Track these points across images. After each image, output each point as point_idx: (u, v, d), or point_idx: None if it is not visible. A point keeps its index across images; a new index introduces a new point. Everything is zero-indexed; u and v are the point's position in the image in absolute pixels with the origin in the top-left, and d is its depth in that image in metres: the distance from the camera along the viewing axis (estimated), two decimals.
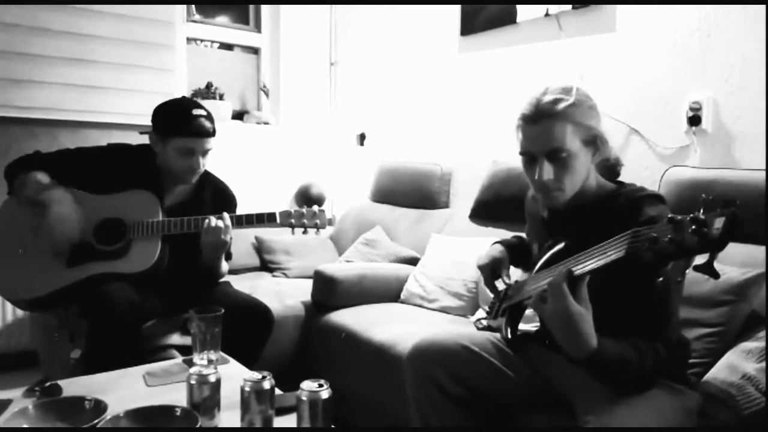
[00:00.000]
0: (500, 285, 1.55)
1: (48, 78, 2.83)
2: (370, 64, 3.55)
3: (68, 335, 1.99)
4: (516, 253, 1.62)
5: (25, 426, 1.17)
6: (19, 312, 2.71)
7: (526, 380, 1.45)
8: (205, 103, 3.13)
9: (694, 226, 0.87)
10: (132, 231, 1.88)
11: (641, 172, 2.20)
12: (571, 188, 1.31)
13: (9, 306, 2.70)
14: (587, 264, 1.09)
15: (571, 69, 2.43)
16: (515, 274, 1.60)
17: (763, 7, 1.89)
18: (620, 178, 1.43)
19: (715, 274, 0.90)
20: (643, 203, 1.23)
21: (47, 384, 1.39)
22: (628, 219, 1.18)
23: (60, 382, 1.41)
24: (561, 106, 1.27)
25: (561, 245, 1.30)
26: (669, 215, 0.91)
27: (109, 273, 1.83)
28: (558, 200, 1.32)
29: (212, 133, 1.96)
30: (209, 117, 1.96)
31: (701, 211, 0.87)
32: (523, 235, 1.71)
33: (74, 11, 2.86)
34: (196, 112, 1.93)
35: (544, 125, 1.28)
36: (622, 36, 2.31)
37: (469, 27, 2.90)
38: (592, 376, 1.20)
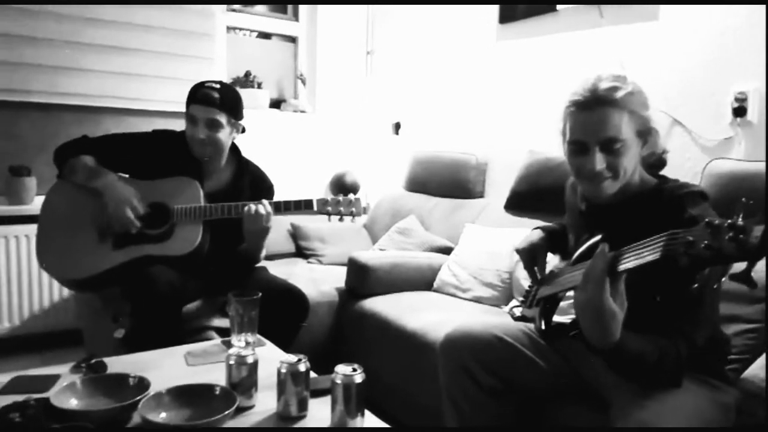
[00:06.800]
0: (536, 272, 1.54)
1: (94, 66, 2.92)
2: (407, 53, 3.55)
3: (112, 315, 2.06)
4: (556, 240, 1.59)
5: (73, 400, 1.23)
6: (65, 292, 2.81)
7: (559, 372, 1.45)
8: (243, 91, 3.18)
9: (731, 233, 0.83)
10: (175, 216, 1.93)
11: (683, 163, 2.16)
12: (622, 179, 1.27)
13: (56, 286, 2.80)
14: (623, 262, 1.06)
15: (612, 58, 2.39)
16: (553, 261, 1.58)
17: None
18: (662, 171, 1.39)
19: (752, 284, 0.87)
20: (686, 201, 1.20)
21: (93, 361, 1.45)
22: (669, 217, 1.15)
23: (104, 360, 1.47)
24: (620, 93, 1.23)
25: (597, 238, 1.28)
26: (707, 219, 0.87)
27: (152, 255, 1.89)
28: (607, 191, 1.28)
29: (216, 103, 1.94)
30: (221, 91, 1.96)
31: (740, 216, 0.84)
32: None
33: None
34: (207, 84, 1.97)
35: (600, 113, 1.23)
36: (666, 24, 2.25)
37: (508, 15, 2.87)
38: (609, 367, 1.19)
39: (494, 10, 2.93)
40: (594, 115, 1.24)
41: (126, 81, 3.01)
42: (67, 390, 1.24)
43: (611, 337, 1.08)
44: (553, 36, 2.67)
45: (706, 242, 0.86)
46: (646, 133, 1.28)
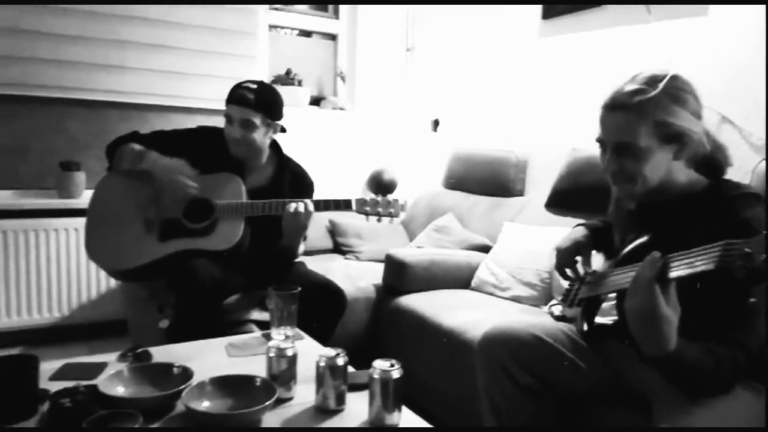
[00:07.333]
0: (579, 270, 1.51)
1: (139, 64, 3.00)
2: (446, 50, 3.53)
3: (157, 306, 2.12)
4: (600, 237, 1.56)
5: (120, 387, 1.27)
6: (112, 283, 2.91)
7: (600, 373, 1.42)
8: (284, 89, 3.23)
9: None
10: (218, 211, 1.97)
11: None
12: (642, 183, 1.25)
13: (103, 278, 2.90)
14: (675, 269, 1.02)
15: (659, 54, 2.32)
16: (596, 260, 1.55)
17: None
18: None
19: None
20: (738, 203, 1.16)
21: (139, 350, 1.49)
22: (721, 219, 1.12)
23: (150, 349, 1.51)
24: (637, 99, 1.20)
25: (644, 239, 1.25)
26: (766, 231, 0.84)
27: (195, 249, 1.93)
28: (627, 192, 1.29)
29: (250, 104, 1.97)
30: (257, 91, 1.99)
31: None
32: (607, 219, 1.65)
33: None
34: (244, 84, 2.00)
35: (616, 116, 1.24)
36: (715, 20, 2.18)
37: (551, 10, 2.83)
38: (663, 376, 1.15)
39: (537, 6, 2.89)
40: (611, 117, 1.26)
41: (170, 79, 3.08)
42: (114, 378, 1.28)
43: (667, 345, 1.04)
44: (598, 32, 2.62)
45: (765, 255, 0.83)
46: (677, 137, 1.22)
